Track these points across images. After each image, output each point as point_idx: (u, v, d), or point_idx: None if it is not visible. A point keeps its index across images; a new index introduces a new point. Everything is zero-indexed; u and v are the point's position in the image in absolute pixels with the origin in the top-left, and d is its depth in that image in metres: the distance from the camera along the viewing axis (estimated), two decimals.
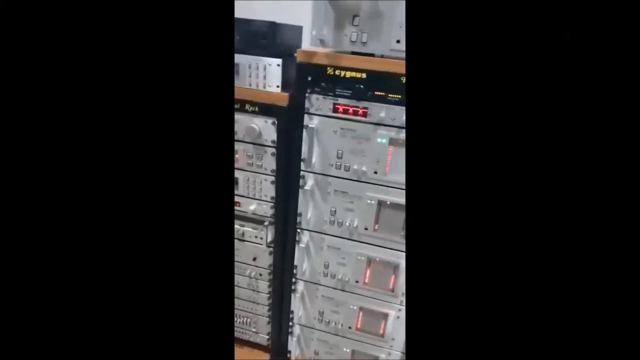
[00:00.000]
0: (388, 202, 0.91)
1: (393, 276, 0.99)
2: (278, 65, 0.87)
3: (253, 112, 0.91)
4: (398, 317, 1.03)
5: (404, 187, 0.88)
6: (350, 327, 1.08)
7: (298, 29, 1.04)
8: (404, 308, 1.01)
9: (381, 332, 1.07)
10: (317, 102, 0.86)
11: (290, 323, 1.15)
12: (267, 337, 1.20)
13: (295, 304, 1.11)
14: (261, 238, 1.06)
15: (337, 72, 0.82)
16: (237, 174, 1.00)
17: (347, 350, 1.12)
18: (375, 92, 0.82)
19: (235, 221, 1.06)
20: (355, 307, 1.05)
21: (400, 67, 0.78)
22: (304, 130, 0.89)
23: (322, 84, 0.84)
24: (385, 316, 1.04)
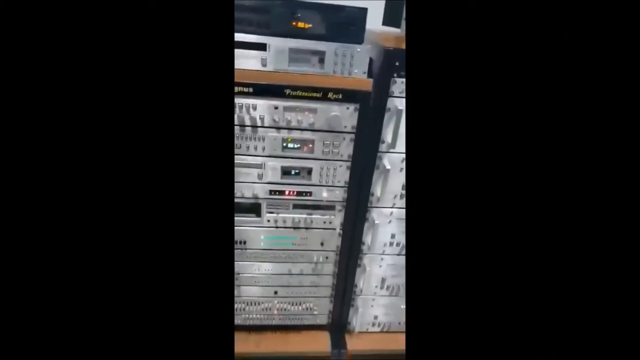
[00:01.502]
0: None
1: None
2: (367, 50, 0.88)
3: (336, 100, 0.91)
4: None
5: None
6: None
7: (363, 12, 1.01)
8: None
9: None
10: (401, 86, 0.91)
11: (353, 296, 1.21)
12: (328, 315, 1.25)
13: (359, 277, 1.18)
14: (330, 223, 1.08)
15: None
16: (311, 163, 0.98)
17: (403, 307, 1.26)
18: None
19: (304, 210, 1.05)
20: None
21: None
22: (386, 113, 0.94)
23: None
24: None
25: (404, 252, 1.15)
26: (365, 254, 1.14)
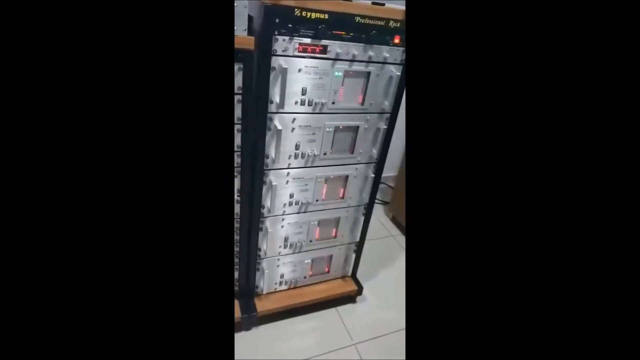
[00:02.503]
0: (341, 127, 1.09)
1: (342, 188, 1.22)
2: (245, 7, 0.83)
3: None
4: (346, 217, 1.29)
5: (353, 111, 1.08)
6: (311, 241, 1.27)
7: None
8: (350, 209, 1.28)
9: (334, 234, 1.31)
10: (284, 44, 0.90)
11: (258, 260, 1.23)
12: (235, 283, 1.24)
13: (262, 240, 1.19)
14: None
15: (303, 14, 0.88)
16: None
17: (308, 261, 1.33)
18: (334, 31, 0.94)
19: None
20: (315, 222, 1.24)
21: (355, 8, 0.93)
22: (271, 72, 0.93)
23: (289, 25, 0.89)
24: (337, 220, 1.28)
25: (303, 209, 1.19)
26: (267, 217, 1.15)
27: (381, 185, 1.69)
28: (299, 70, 0.96)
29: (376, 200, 1.31)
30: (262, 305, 1.28)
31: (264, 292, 1.30)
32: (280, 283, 1.33)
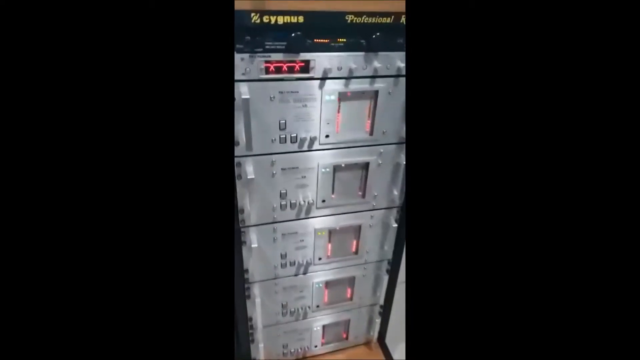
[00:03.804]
0: (343, 165, 0.80)
1: (355, 240, 0.93)
2: None
3: None
4: (364, 276, 0.99)
5: (359, 144, 0.79)
6: (318, 306, 1.00)
7: None
8: (369, 266, 0.98)
9: (349, 296, 1.02)
10: (243, 64, 0.64)
11: (251, 331, 0.98)
12: None
13: (252, 309, 0.94)
14: None
15: (264, 19, 0.61)
16: None
17: (317, 328, 1.05)
18: (315, 40, 0.66)
19: None
20: (321, 284, 0.96)
21: (344, 3, 0.63)
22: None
23: (247, 37, 0.62)
24: (351, 280, 0.99)
25: (302, 271, 0.92)
26: (253, 282, 0.90)
27: None
28: (271, 99, 0.69)
29: None
30: None
31: None
32: (285, 354, 1.07)
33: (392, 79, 0.73)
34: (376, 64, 0.71)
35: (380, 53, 0.70)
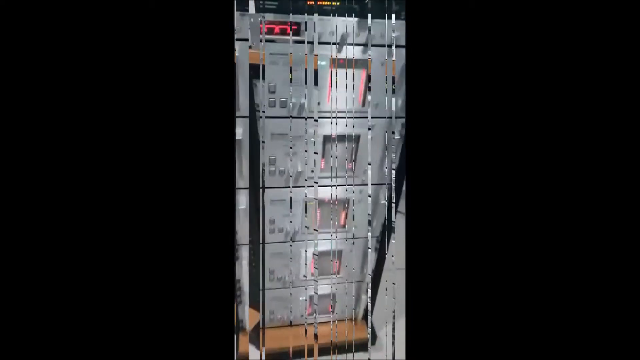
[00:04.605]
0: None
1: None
2: None
3: None
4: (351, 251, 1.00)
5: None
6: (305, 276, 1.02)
7: None
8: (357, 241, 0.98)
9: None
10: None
11: (238, 293, 1.01)
12: None
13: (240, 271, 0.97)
14: None
15: None
16: None
17: (304, 298, 1.07)
18: (309, 2, 0.66)
19: None
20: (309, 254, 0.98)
21: None
22: None
23: None
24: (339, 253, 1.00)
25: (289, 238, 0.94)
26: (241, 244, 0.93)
27: None
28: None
29: None
30: (244, 346, 1.06)
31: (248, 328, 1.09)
32: (272, 320, 1.10)
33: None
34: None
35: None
